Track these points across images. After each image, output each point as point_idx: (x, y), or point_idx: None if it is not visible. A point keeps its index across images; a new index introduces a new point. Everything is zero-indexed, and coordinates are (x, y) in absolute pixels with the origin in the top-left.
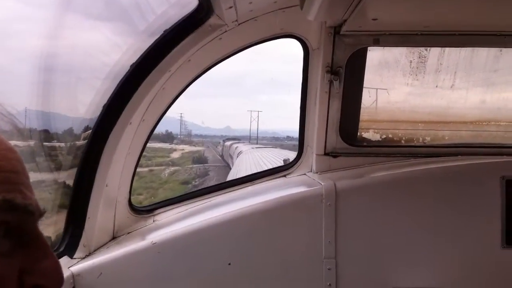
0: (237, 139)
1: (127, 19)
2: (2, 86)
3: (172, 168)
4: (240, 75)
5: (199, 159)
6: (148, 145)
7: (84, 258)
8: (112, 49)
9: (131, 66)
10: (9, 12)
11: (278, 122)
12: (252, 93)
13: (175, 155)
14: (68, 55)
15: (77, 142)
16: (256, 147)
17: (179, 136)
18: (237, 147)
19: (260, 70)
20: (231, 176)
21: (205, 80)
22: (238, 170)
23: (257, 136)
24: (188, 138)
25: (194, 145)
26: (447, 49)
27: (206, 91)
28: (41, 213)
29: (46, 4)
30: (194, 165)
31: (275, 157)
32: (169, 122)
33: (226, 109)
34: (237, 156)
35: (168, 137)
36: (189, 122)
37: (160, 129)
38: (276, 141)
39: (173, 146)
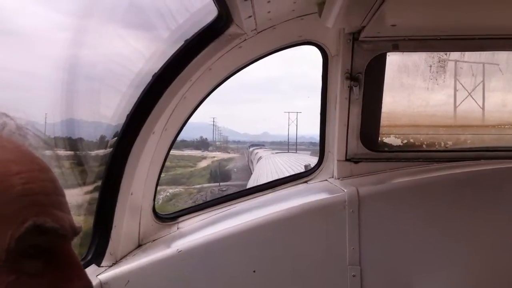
0: (261, 145)
1: (150, 27)
2: (28, 92)
3: (176, 189)
4: (275, 79)
5: (222, 171)
6: (179, 152)
7: (111, 266)
8: (136, 56)
9: (153, 76)
10: (37, 19)
11: (316, 126)
12: (289, 98)
13: (204, 163)
14: (95, 62)
15: (101, 151)
16: (275, 153)
17: (217, 143)
18: (257, 152)
19: (296, 74)
20: (252, 182)
21: (242, 85)
22: (259, 176)
23: (296, 141)
24: (224, 144)
25: (228, 152)
26: (467, 52)
27: (243, 97)
28: (76, 232)
29: (72, 12)
30: (205, 185)
31: (293, 162)
32: (206, 129)
33: (263, 115)
34: (257, 162)
35: (203, 144)
36: (227, 128)
37: (195, 135)
38: (314, 146)
39: (205, 153)
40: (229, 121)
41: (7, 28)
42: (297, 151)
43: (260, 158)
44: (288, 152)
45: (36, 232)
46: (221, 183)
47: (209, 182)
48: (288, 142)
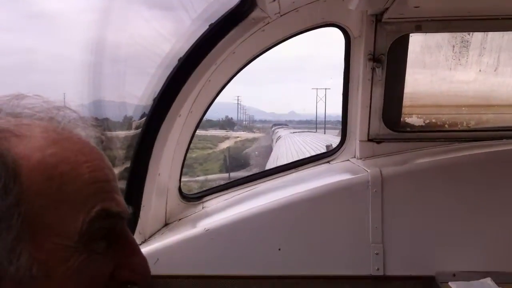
0: (284, 124)
1: (175, 12)
2: (59, 75)
3: None
4: (303, 59)
5: (237, 157)
6: (202, 132)
7: (140, 244)
8: (163, 40)
9: (178, 60)
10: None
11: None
12: (317, 78)
13: (226, 144)
14: (122, 44)
15: (130, 131)
16: (293, 132)
17: (244, 122)
18: (277, 131)
19: (324, 54)
20: (271, 161)
21: (269, 65)
22: (278, 156)
23: (325, 120)
24: (250, 124)
25: (253, 132)
26: (490, 33)
27: (269, 76)
28: (129, 214)
29: None
30: (210, 176)
31: (311, 141)
32: (232, 108)
33: (290, 94)
34: (276, 141)
35: (228, 124)
36: (253, 108)
37: (221, 115)
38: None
39: (229, 133)
40: (256, 100)
41: (35, 11)
42: (325, 130)
43: (279, 137)
44: (307, 131)
45: (104, 216)
46: (232, 173)
47: (220, 171)
48: (316, 120)
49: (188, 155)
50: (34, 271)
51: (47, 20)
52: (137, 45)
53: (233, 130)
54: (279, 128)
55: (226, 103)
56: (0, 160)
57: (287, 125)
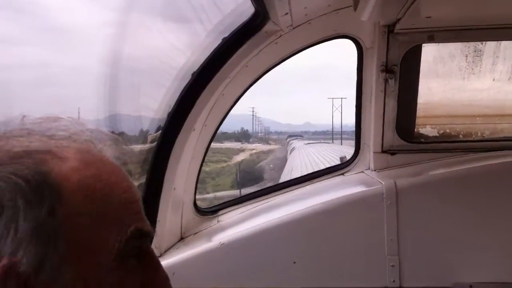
0: (298, 136)
1: (189, 25)
2: (75, 88)
3: None
4: (318, 69)
5: (249, 171)
6: (217, 145)
7: None
8: (177, 53)
9: (192, 74)
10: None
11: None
12: (332, 88)
13: (241, 156)
14: (138, 57)
15: (146, 145)
16: (308, 143)
17: (259, 134)
18: (291, 143)
19: (339, 64)
20: (285, 173)
21: (284, 76)
22: (293, 167)
23: (341, 130)
24: (266, 135)
25: (268, 143)
26: (503, 42)
27: (285, 87)
28: (154, 234)
29: (115, 7)
30: (219, 194)
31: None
32: (247, 120)
33: (305, 105)
34: (290, 153)
35: (244, 136)
36: (269, 119)
37: (237, 127)
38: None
39: (244, 145)
40: (271, 112)
41: (52, 26)
42: (341, 141)
43: (293, 149)
44: (322, 142)
45: (138, 235)
46: (244, 189)
47: (232, 187)
48: (333, 131)
49: (203, 169)
50: None
51: (64, 34)
52: (152, 58)
53: (249, 142)
54: (293, 139)
55: (241, 115)
56: (45, 181)
57: (302, 136)
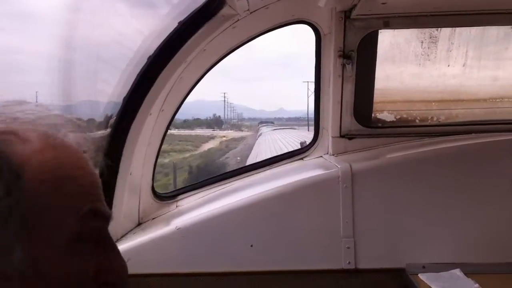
0: (270, 122)
1: (145, 8)
2: (37, 74)
3: None
4: (292, 55)
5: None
6: (186, 132)
7: None
8: (132, 36)
9: (148, 58)
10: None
11: None
12: (306, 74)
13: (209, 145)
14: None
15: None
16: (274, 129)
17: (233, 120)
18: (260, 129)
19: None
20: (251, 160)
21: (258, 62)
22: (258, 154)
23: (307, 115)
24: (239, 122)
25: (241, 130)
26: (457, 28)
27: (259, 73)
28: (112, 218)
29: None
30: None
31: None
32: (221, 107)
33: (279, 91)
34: (258, 139)
35: (216, 122)
36: (243, 106)
37: (210, 113)
38: None
39: (216, 132)
40: (245, 98)
41: (15, 11)
42: (309, 127)
43: (260, 135)
44: (289, 128)
45: (92, 215)
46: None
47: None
48: (308, 116)
49: (161, 160)
50: (25, 269)
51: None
52: (107, 41)
53: (221, 129)
54: (264, 126)
55: (214, 101)
56: (5, 160)
57: (273, 123)
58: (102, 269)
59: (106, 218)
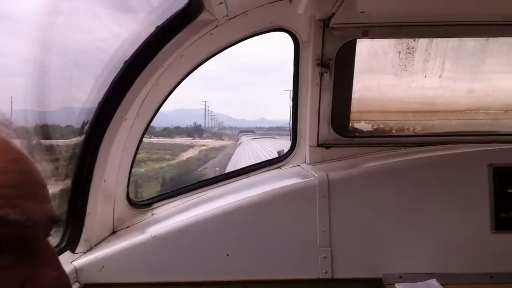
0: (250, 131)
1: (126, 8)
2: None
3: None
4: (273, 65)
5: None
6: (166, 140)
7: (85, 252)
8: (109, 41)
9: (124, 63)
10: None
11: None
12: (287, 82)
13: (188, 154)
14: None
15: (75, 138)
16: (254, 138)
17: (214, 129)
18: (240, 138)
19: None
20: (230, 168)
21: (239, 69)
22: (236, 162)
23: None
24: (220, 131)
25: (221, 139)
26: (434, 39)
27: (240, 81)
28: (52, 222)
29: None
30: None
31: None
32: (202, 115)
33: (260, 100)
34: (237, 147)
35: (197, 131)
36: (224, 114)
37: (190, 121)
38: None
39: (196, 141)
40: (226, 107)
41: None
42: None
43: (240, 143)
44: (270, 137)
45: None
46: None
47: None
48: (290, 125)
49: (137, 169)
50: None
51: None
52: (84, 46)
53: (201, 138)
54: (244, 135)
55: (195, 109)
56: None
57: (254, 132)
58: (30, 282)
59: (26, 225)
